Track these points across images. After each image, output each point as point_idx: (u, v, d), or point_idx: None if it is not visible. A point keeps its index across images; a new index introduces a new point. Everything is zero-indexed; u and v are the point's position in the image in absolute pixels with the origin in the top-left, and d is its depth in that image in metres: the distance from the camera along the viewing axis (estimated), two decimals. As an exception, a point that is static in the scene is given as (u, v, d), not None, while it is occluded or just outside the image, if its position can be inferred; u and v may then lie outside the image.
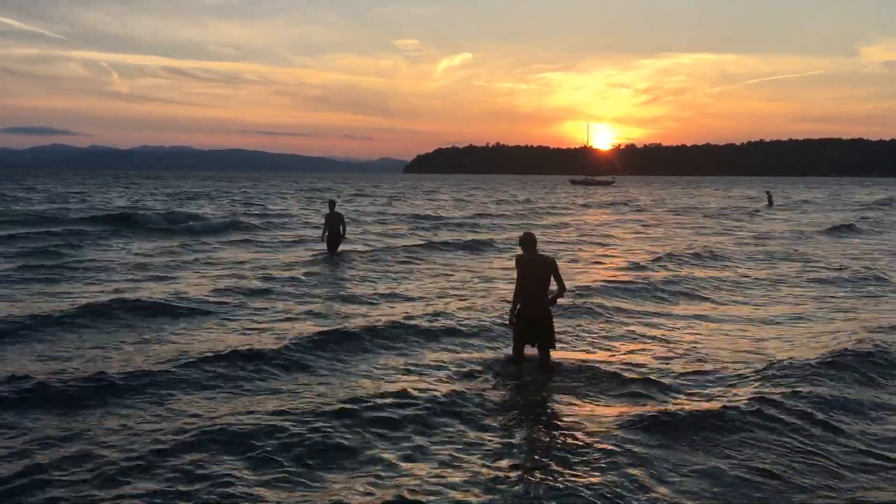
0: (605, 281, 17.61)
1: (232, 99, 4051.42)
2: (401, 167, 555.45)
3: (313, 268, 20.15)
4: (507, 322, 10.19)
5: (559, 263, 10.14)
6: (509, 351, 10.21)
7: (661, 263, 21.51)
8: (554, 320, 9.81)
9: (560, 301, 10.15)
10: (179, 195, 69.85)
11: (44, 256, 21.91)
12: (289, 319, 13.10)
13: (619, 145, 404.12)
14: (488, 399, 8.72)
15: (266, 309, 14.06)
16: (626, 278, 18.28)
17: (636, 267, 20.78)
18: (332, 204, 23.01)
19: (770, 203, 60.09)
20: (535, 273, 9.39)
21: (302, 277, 18.15)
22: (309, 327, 12.20)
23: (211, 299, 14.68)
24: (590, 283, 17.07)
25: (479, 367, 10.00)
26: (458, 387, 9.07)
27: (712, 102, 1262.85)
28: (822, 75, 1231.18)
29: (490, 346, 11.29)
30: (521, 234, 9.88)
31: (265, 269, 19.49)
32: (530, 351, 9.80)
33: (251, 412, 7.95)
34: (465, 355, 10.74)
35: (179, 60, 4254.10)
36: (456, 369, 9.91)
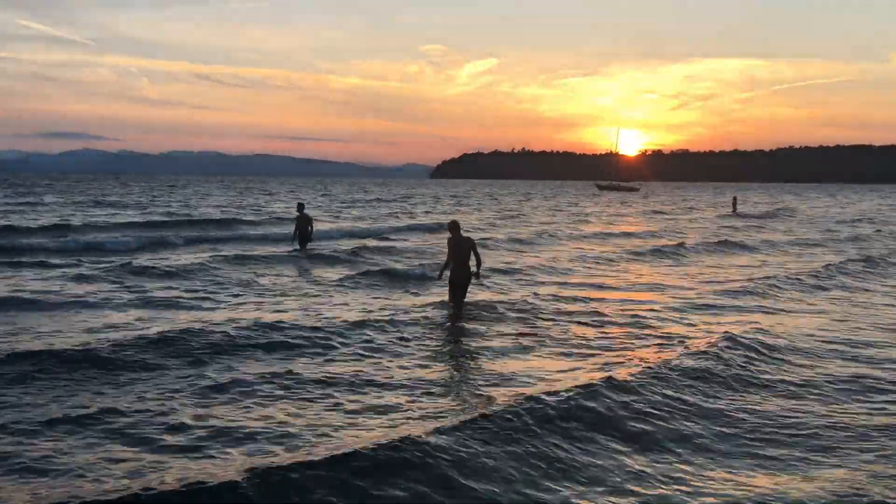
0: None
1: (257, 104, 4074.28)
2: (426, 172, 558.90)
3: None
4: (437, 277, 15.16)
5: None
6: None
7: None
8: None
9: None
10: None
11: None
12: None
13: (646, 151, 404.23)
14: (427, 324, 13.72)
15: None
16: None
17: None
18: (300, 207, 25.44)
19: (734, 209, 61.86)
20: (460, 250, 14.12)
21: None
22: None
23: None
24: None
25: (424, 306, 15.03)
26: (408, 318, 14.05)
27: (740, 108, 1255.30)
28: (851, 81, 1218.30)
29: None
30: (450, 221, 14.69)
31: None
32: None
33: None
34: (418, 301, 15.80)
35: (207, 66, 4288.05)
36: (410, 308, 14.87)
